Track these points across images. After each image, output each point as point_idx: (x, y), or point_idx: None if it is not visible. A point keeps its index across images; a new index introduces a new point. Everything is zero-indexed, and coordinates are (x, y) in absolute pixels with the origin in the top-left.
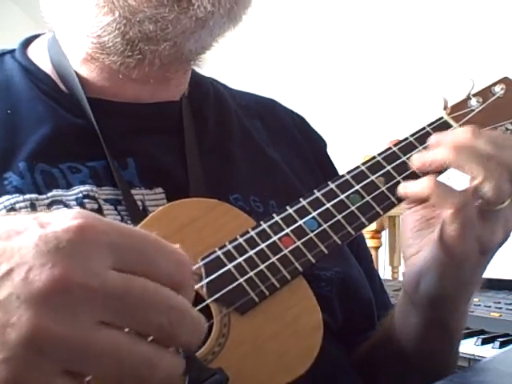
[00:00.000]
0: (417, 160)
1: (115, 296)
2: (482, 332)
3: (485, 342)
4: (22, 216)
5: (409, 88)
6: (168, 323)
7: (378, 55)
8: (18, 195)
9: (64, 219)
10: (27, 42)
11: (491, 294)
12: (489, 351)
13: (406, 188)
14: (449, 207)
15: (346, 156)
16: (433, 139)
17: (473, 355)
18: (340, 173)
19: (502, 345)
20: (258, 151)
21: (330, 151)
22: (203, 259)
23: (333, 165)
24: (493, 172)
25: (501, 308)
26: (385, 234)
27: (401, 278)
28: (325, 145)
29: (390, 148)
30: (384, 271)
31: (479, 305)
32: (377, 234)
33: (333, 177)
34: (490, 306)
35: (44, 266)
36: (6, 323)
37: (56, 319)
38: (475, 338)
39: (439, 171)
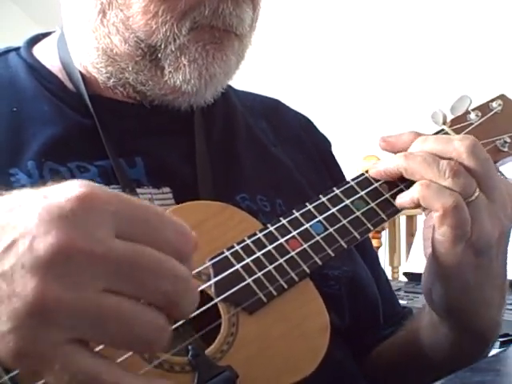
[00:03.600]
0: (371, 170)
1: (122, 263)
2: None
3: None
4: (25, 190)
5: (410, 89)
6: (173, 291)
7: (379, 57)
8: None
9: (67, 189)
10: (34, 40)
11: None
12: None
13: (400, 199)
14: (436, 209)
15: (347, 156)
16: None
17: None
18: (344, 173)
19: (502, 345)
20: (265, 151)
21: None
22: (211, 259)
23: (338, 165)
24: (444, 170)
25: None
26: (385, 234)
27: (401, 278)
28: (329, 145)
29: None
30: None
31: None
32: (377, 233)
33: (338, 176)
34: None
35: (47, 234)
36: (12, 293)
37: (61, 286)
38: None
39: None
